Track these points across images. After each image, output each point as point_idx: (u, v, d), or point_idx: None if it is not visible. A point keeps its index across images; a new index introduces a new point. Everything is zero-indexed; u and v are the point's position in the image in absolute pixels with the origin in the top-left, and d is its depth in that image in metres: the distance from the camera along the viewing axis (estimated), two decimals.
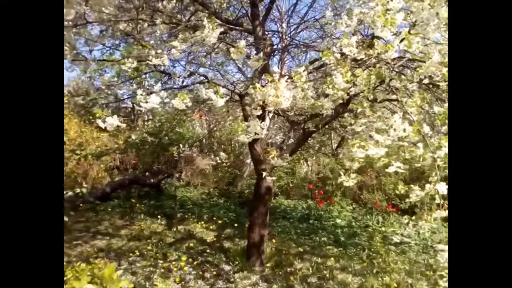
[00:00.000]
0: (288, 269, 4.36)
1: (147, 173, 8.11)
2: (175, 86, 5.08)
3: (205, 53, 5.24)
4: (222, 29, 2.71)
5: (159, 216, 6.15)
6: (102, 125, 2.18)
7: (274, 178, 3.80)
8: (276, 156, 2.81)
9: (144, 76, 5.08)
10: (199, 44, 3.31)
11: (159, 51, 2.69)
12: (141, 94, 2.13)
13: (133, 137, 7.21)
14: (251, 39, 4.83)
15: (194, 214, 6.52)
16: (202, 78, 4.66)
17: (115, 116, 2.17)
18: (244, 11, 4.86)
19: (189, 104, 2.32)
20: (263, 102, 2.35)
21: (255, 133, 2.29)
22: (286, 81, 2.30)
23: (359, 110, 2.34)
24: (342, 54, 2.44)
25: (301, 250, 5.04)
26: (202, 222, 5.99)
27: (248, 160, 8.78)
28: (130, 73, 4.20)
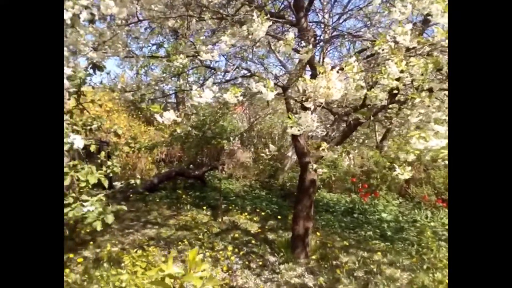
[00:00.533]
0: (334, 262, 4.34)
1: (191, 165, 8.38)
2: (217, 81, 5.19)
3: (247, 47, 5.28)
4: (270, 23, 2.72)
5: (204, 207, 6.34)
6: (159, 119, 2.29)
7: (325, 170, 3.76)
8: (326, 148, 2.80)
9: (188, 71, 5.19)
10: (244, 38, 3.36)
11: (209, 46, 2.76)
12: (196, 89, 2.22)
13: (178, 130, 7.45)
14: (292, 31, 4.79)
15: (237, 206, 6.65)
16: (244, 71, 4.71)
17: (171, 110, 2.27)
18: (287, 3, 4.83)
19: (240, 98, 2.37)
20: (314, 93, 2.34)
21: (307, 126, 2.29)
22: (338, 72, 2.28)
23: (417, 100, 2.26)
24: (396, 42, 2.37)
25: (346, 243, 4.98)
26: (246, 214, 6.10)
27: (290, 153, 8.77)
28: (179, 69, 4.34)
